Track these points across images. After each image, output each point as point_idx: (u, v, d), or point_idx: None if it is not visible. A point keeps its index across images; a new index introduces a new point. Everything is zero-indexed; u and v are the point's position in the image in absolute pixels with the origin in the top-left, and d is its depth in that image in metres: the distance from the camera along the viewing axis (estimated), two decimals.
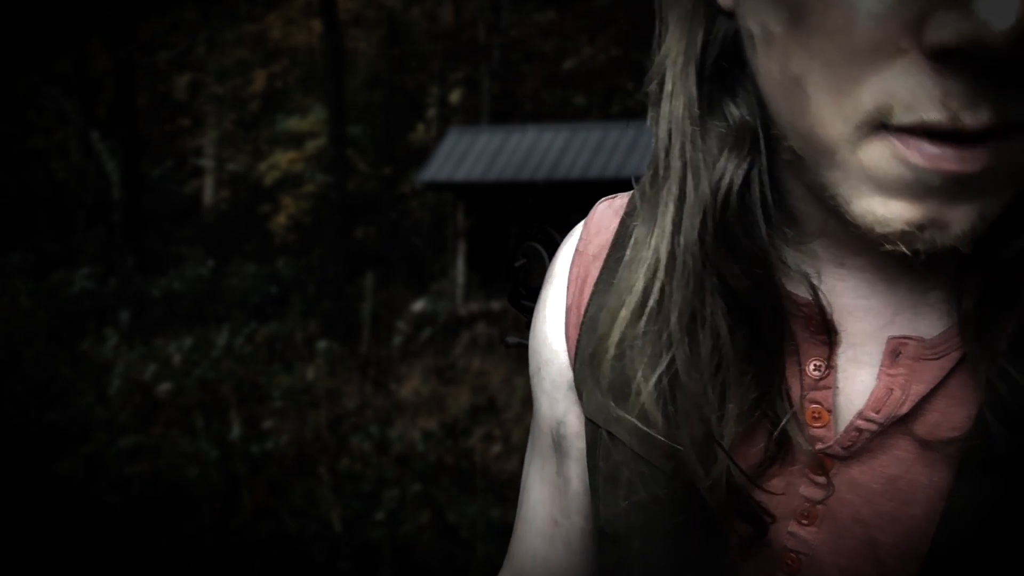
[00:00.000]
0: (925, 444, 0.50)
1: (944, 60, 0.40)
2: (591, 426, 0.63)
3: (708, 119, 0.52)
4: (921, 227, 0.43)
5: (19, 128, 16.16)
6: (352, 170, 16.49)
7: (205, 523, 4.32)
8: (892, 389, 0.51)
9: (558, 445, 0.68)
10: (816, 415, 0.53)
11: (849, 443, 0.52)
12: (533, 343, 0.70)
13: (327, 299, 10.54)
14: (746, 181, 0.51)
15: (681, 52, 0.53)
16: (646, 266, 0.55)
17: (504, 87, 17.17)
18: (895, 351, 0.51)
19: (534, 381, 0.70)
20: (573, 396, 0.66)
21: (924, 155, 0.42)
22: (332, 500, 4.53)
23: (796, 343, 0.54)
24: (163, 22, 16.21)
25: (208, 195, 19.74)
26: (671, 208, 0.53)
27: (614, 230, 0.65)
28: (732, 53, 0.52)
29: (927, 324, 0.52)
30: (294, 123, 19.36)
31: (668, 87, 0.53)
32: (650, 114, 0.55)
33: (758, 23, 0.47)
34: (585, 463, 0.66)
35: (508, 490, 4.77)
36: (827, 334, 0.52)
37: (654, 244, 0.55)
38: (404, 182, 17.97)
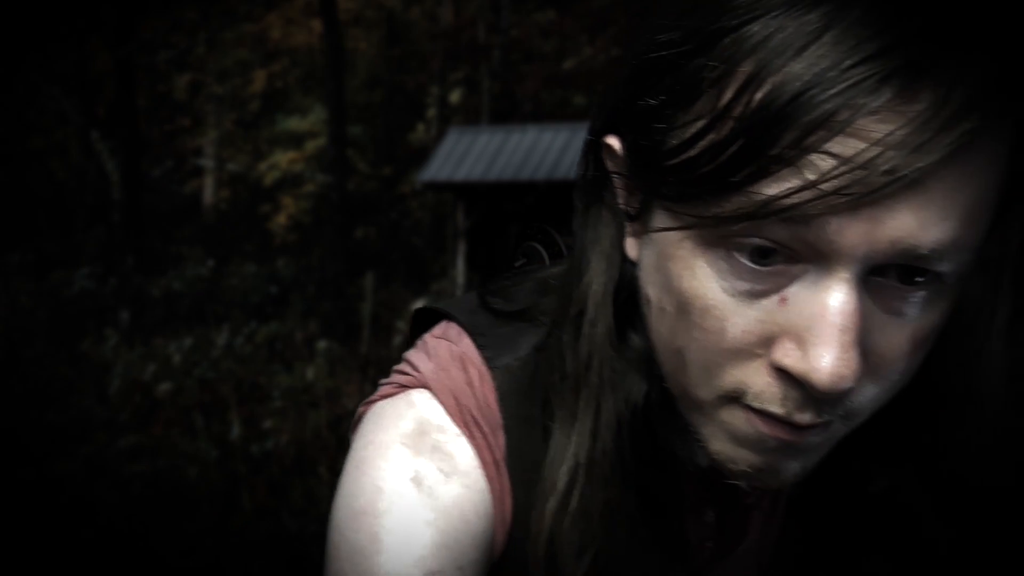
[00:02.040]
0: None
1: (785, 374, 0.52)
2: None
3: (619, 345, 0.62)
4: (759, 470, 0.57)
5: (19, 128, 16.15)
6: (352, 170, 16.49)
7: (205, 523, 4.32)
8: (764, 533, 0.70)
9: None
10: (706, 539, 0.68)
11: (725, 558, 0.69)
12: (452, 536, 0.63)
13: (327, 299, 10.54)
14: (647, 395, 0.61)
15: (601, 285, 0.62)
16: (566, 467, 0.62)
17: (504, 87, 17.16)
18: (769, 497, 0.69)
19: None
20: None
21: (767, 426, 0.54)
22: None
23: (695, 503, 0.67)
24: (163, 22, 16.20)
25: (208, 195, 19.74)
26: (588, 418, 0.62)
27: (500, 423, 0.66)
28: (633, 293, 0.61)
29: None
30: (294, 123, 19.36)
31: (590, 315, 0.62)
32: (567, 336, 0.63)
33: (655, 295, 0.57)
34: None
35: None
36: (728, 493, 0.65)
37: (573, 449, 0.62)
38: (404, 182, 17.96)
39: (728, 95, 0.49)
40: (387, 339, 8.72)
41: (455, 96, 18.80)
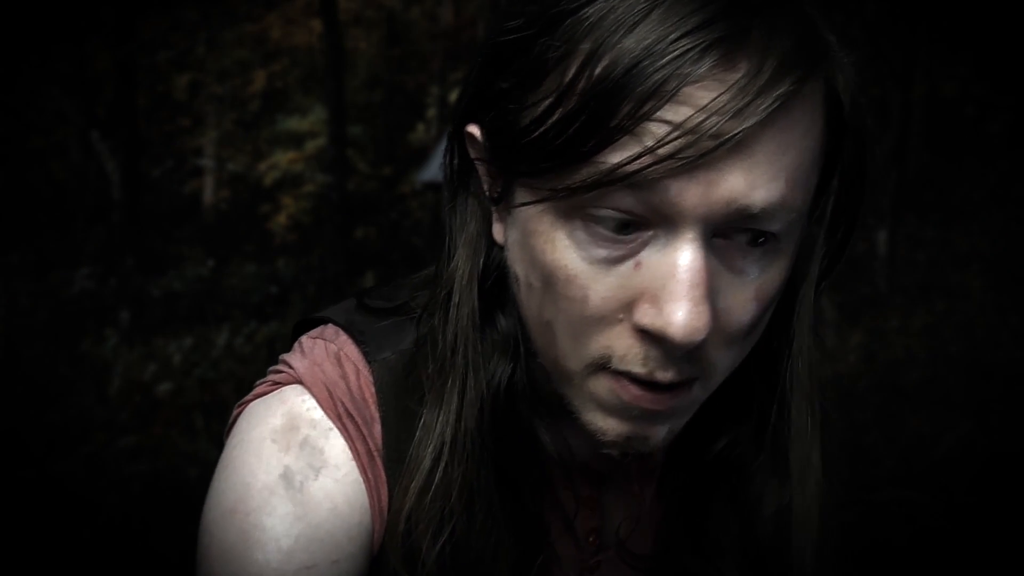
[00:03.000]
0: (634, 558, 0.72)
1: (645, 334, 0.55)
2: None
3: (485, 327, 0.64)
4: (628, 438, 0.60)
5: (19, 128, 16.15)
6: (352, 170, 16.49)
7: None
8: (639, 517, 0.72)
9: None
10: (591, 539, 0.71)
11: (613, 551, 0.71)
12: (325, 530, 0.63)
13: (327, 299, 10.52)
14: (512, 376, 0.64)
15: (467, 270, 0.64)
16: (432, 447, 0.64)
17: None
18: (621, 485, 0.72)
19: (324, 573, 0.63)
20: None
21: (630, 394, 0.58)
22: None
23: (565, 489, 0.69)
24: (163, 22, 16.19)
25: (208, 195, 19.74)
26: (455, 399, 0.64)
27: (377, 416, 0.67)
28: (502, 277, 0.64)
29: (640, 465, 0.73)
30: (294, 123, 19.36)
31: (455, 298, 0.64)
32: (438, 318, 0.66)
33: (522, 272, 0.60)
34: None
35: None
36: (594, 480, 0.70)
37: (439, 429, 0.64)
38: (404, 182, 17.96)
39: (571, 72, 0.53)
40: None
41: (455, 96, 18.77)
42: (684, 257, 0.53)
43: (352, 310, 0.72)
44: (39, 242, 13.12)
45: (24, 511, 4.14)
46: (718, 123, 0.50)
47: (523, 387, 0.65)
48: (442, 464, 0.63)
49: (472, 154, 0.64)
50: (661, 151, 0.50)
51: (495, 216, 0.64)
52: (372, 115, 19.68)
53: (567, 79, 0.53)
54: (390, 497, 0.65)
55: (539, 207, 0.56)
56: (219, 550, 0.63)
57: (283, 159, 18.91)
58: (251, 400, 0.70)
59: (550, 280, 0.57)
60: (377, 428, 0.66)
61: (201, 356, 7.34)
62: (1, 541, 3.82)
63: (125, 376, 6.75)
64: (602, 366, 0.58)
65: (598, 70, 0.51)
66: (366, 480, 0.65)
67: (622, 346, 0.57)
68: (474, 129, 0.62)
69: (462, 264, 0.65)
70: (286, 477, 0.63)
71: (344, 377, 0.67)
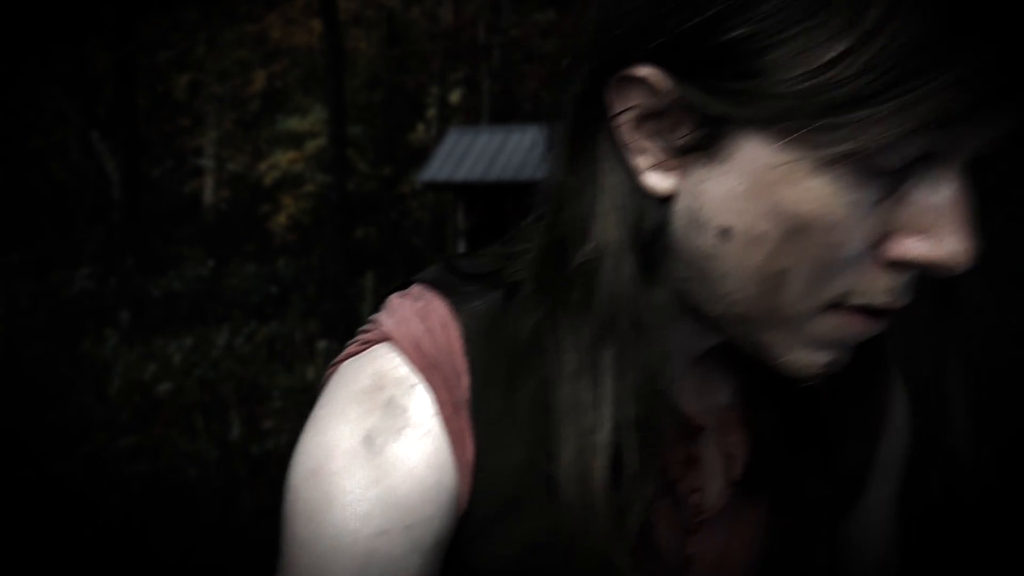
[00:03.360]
0: (750, 495, 0.70)
1: (898, 266, 0.54)
2: None
3: (646, 290, 0.60)
4: (828, 365, 0.58)
5: (19, 128, 16.15)
6: (352, 170, 16.49)
7: (205, 523, 4.32)
8: (730, 457, 0.70)
9: None
10: (695, 489, 0.69)
11: (718, 507, 0.69)
12: (400, 494, 0.63)
13: (327, 299, 10.54)
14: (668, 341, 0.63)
15: (617, 232, 0.59)
16: (585, 421, 0.61)
17: (504, 87, 17.17)
18: (724, 427, 0.70)
19: (399, 536, 0.63)
20: (431, 557, 0.64)
21: (857, 327, 0.56)
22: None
23: (674, 438, 0.68)
24: (163, 22, 16.19)
25: (208, 195, 19.75)
26: (611, 369, 0.61)
27: (465, 370, 0.65)
28: (656, 235, 0.60)
29: (728, 400, 0.70)
30: (294, 123, 19.38)
31: (608, 262, 0.60)
32: (576, 294, 0.62)
33: (742, 223, 0.55)
34: None
35: None
36: (694, 432, 0.68)
37: (593, 403, 0.61)
38: (404, 182, 17.97)
39: (874, 11, 0.47)
40: None
41: (455, 96, 18.79)
42: (959, 186, 0.52)
43: (440, 270, 0.70)
44: (39, 242, 13.13)
45: (24, 511, 4.14)
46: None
47: (678, 349, 0.64)
48: (602, 435, 0.60)
49: (622, 104, 0.57)
50: (971, 87, 0.47)
51: (653, 167, 0.58)
52: (372, 115, 19.69)
53: (868, 19, 0.47)
54: (476, 451, 0.64)
55: (791, 155, 0.52)
56: (302, 510, 0.65)
57: (283, 159, 18.93)
58: (342, 360, 0.69)
59: (799, 229, 0.53)
60: (465, 380, 0.65)
61: (201, 356, 7.35)
62: (1, 541, 3.82)
63: (125, 376, 6.76)
64: (836, 304, 0.55)
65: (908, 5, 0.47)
66: (450, 434, 0.64)
67: (866, 281, 0.54)
68: (647, 71, 0.55)
69: (610, 224, 0.59)
70: (368, 440, 0.63)
71: (431, 331, 0.66)
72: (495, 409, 0.64)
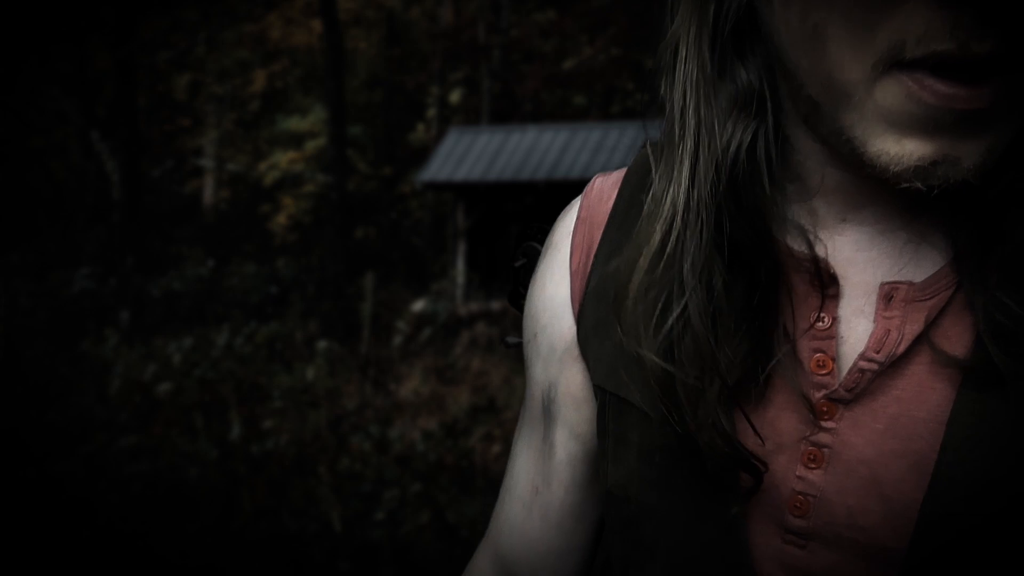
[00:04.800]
0: (931, 370, 0.53)
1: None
2: (600, 392, 0.66)
3: (719, 82, 0.56)
4: (934, 163, 0.48)
5: (19, 128, 16.14)
6: (352, 170, 16.49)
7: (205, 523, 4.32)
8: (889, 331, 0.54)
9: (547, 410, 0.71)
10: (821, 363, 0.56)
11: (852, 386, 0.55)
12: (531, 308, 0.72)
13: (327, 299, 10.54)
14: (753, 140, 0.56)
15: (694, 22, 0.56)
16: (663, 219, 0.58)
17: (504, 87, 17.16)
18: (888, 295, 0.55)
19: (529, 347, 0.72)
20: (569, 361, 0.69)
21: (935, 93, 0.46)
22: (332, 500, 4.53)
23: (798, 296, 0.57)
24: (163, 22, 16.19)
25: (208, 195, 19.74)
26: (687, 164, 0.57)
27: (613, 200, 0.69)
28: (744, 21, 0.56)
29: (919, 269, 0.55)
30: (294, 123, 19.37)
31: (682, 53, 0.58)
32: (665, 80, 0.59)
33: None
34: (571, 430, 0.70)
35: None
36: (828, 286, 0.56)
37: (671, 198, 0.58)
38: (404, 182, 17.96)
39: None
40: (387, 339, 8.71)
41: (455, 96, 18.79)
42: None
43: None
44: (39, 242, 13.13)
45: (24, 511, 4.14)
46: None
47: (768, 155, 0.56)
48: (674, 235, 0.56)
49: None
50: None
51: None
52: (372, 115, 19.69)
53: None
54: (593, 262, 0.68)
55: None
56: None
57: (283, 159, 18.92)
58: None
59: None
60: (610, 203, 0.69)
61: (201, 356, 7.35)
62: (1, 541, 3.82)
63: (125, 376, 6.76)
64: (894, 62, 0.46)
65: None
66: (574, 245, 0.69)
67: (919, 21, 0.45)
68: None
69: (688, 15, 0.57)
70: (540, 260, 0.73)
71: (612, 175, 0.71)
72: (616, 226, 0.67)
